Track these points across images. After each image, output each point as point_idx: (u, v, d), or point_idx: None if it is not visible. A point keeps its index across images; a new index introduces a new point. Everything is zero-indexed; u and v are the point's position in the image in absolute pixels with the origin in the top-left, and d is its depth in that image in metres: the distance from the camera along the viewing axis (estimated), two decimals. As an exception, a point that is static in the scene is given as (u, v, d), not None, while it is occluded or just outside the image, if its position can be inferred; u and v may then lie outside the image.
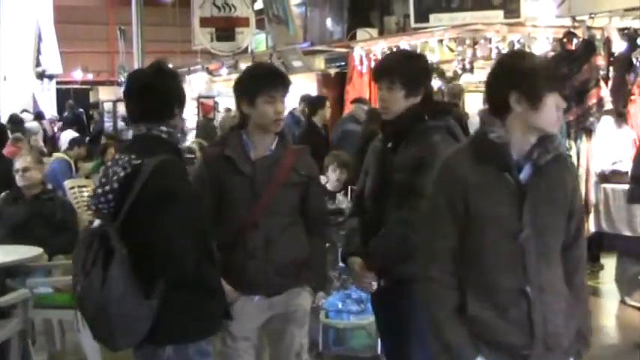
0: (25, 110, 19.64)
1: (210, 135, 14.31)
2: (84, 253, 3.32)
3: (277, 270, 3.89)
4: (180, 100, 3.62)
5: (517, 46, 10.22)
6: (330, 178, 6.99)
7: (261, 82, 3.95)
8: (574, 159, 8.62)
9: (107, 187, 3.32)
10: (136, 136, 3.46)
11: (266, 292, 3.95)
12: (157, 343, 3.42)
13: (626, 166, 8.00)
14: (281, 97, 3.95)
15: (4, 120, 17.45)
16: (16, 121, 16.44)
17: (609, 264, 8.49)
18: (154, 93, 3.50)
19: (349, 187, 7.22)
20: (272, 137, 4.00)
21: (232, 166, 3.91)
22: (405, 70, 3.97)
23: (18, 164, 6.46)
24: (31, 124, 17.76)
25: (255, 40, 17.52)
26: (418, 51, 10.24)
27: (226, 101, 18.32)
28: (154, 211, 3.30)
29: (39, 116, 19.68)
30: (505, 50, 10.41)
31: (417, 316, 3.96)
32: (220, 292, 3.65)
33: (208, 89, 19.17)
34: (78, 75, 29.89)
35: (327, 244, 4.53)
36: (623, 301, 7.83)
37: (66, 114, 21.62)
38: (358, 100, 10.97)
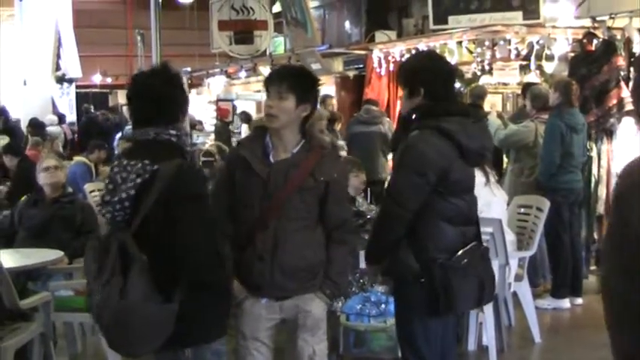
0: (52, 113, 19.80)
1: (226, 138, 14.38)
2: (97, 262, 3.33)
3: (285, 274, 3.84)
4: (185, 103, 3.63)
5: (536, 48, 10.20)
6: (353, 184, 6.94)
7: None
8: (594, 160, 8.58)
9: (123, 195, 3.32)
10: (143, 141, 3.45)
11: (273, 295, 3.92)
12: (177, 347, 3.43)
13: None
14: (273, 91, 3.89)
15: (25, 124, 17.57)
16: (36, 125, 16.52)
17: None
18: (162, 96, 3.50)
19: (368, 189, 7.21)
20: (294, 139, 3.93)
21: (247, 167, 3.88)
22: (404, 71, 4.16)
23: (47, 163, 6.48)
24: (53, 128, 17.84)
25: (274, 43, 17.54)
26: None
27: (244, 104, 18.37)
28: (179, 213, 3.31)
29: (60, 120, 19.78)
30: (524, 52, 10.40)
31: (400, 321, 4.03)
32: (230, 293, 3.71)
33: (227, 92, 19.21)
34: (97, 79, 30.03)
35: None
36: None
37: (83, 118, 21.73)
38: (367, 102, 11.06)
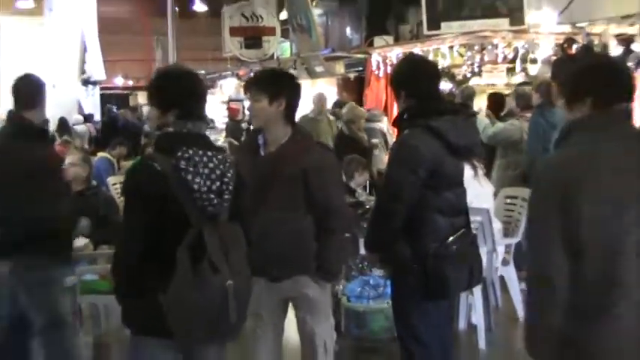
0: (78, 114, 19.86)
1: (237, 135, 14.42)
2: (222, 250, 3.12)
3: (270, 258, 3.80)
4: None
5: (521, 52, 10.20)
6: (357, 180, 6.98)
7: None
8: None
9: (231, 185, 3.17)
10: (196, 134, 3.28)
11: (268, 277, 3.89)
12: None
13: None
14: (250, 96, 4.04)
15: (54, 123, 17.57)
16: (63, 124, 16.52)
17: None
18: (205, 94, 3.48)
19: (367, 181, 7.24)
20: (282, 132, 3.93)
21: (243, 160, 3.87)
22: (392, 74, 4.21)
23: (66, 160, 6.50)
24: (79, 127, 17.84)
25: (281, 48, 17.52)
26: (430, 56, 10.23)
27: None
28: (242, 201, 3.31)
29: (87, 119, 19.85)
30: (511, 55, 10.40)
31: (397, 304, 4.02)
32: None
33: (237, 93, 19.22)
34: (119, 81, 30.02)
35: (347, 235, 4.46)
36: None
37: (104, 118, 21.73)
38: (368, 110, 11.14)
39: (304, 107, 10.47)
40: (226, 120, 17.92)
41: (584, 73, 2.83)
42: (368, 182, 7.34)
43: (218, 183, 3.13)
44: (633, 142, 2.69)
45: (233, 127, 16.35)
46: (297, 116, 4.07)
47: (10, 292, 4.67)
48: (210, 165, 3.12)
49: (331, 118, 10.69)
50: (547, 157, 2.84)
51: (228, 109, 17.94)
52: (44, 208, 4.46)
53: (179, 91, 3.32)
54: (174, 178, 3.06)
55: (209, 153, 3.15)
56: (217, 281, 3.06)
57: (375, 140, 9.81)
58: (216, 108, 19.48)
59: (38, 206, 4.44)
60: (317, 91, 11.52)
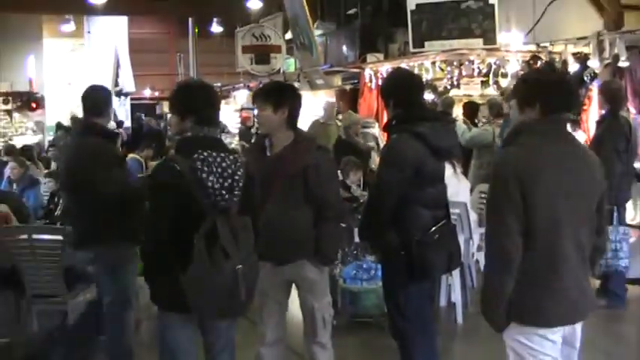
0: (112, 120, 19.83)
1: (248, 139, 14.45)
2: (233, 239, 3.11)
3: (275, 245, 3.78)
4: None
5: (494, 67, 10.21)
6: (352, 179, 6.97)
7: None
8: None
9: (240, 184, 3.15)
10: (211, 138, 3.28)
11: (273, 261, 3.88)
12: None
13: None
14: (257, 106, 4.04)
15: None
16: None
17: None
18: (219, 103, 3.48)
19: (361, 179, 7.23)
20: (284, 136, 3.90)
21: (251, 160, 3.90)
22: (382, 86, 4.24)
23: None
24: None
25: (286, 63, 17.47)
26: (415, 71, 10.21)
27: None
28: (248, 195, 3.30)
29: (119, 125, 19.82)
30: (484, 70, 10.40)
31: (386, 284, 4.01)
32: None
33: (248, 102, 19.20)
34: (147, 93, 29.93)
35: (343, 225, 4.44)
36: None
37: (134, 124, 21.72)
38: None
39: (307, 114, 10.46)
40: (239, 126, 17.88)
41: (538, 83, 2.92)
42: (362, 180, 7.30)
43: (229, 181, 3.11)
44: (569, 146, 2.86)
45: (245, 132, 16.36)
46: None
47: (94, 275, 4.74)
48: (223, 165, 3.11)
49: (339, 123, 10.63)
50: (503, 154, 2.90)
51: (241, 116, 17.92)
52: (119, 198, 4.38)
53: (195, 101, 3.31)
54: (191, 177, 3.06)
55: (222, 154, 3.14)
56: (229, 266, 3.06)
57: (370, 144, 9.80)
58: (230, 115, 19.42)
59: (115, 196, 4.36)
60: (325, 100, 11.50)
